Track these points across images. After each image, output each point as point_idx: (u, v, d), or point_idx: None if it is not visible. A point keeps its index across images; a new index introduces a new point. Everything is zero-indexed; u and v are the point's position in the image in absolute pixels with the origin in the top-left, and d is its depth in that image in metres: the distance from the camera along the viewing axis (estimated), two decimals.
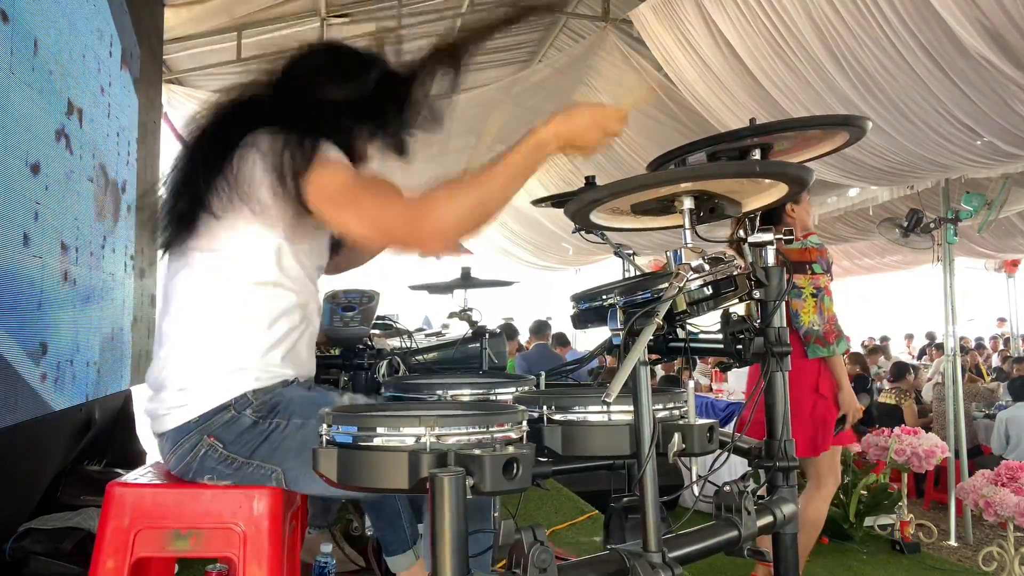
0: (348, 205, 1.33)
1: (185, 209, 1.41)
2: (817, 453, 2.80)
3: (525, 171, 1.32)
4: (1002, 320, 13.17)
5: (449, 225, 1.28)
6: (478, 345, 2.38)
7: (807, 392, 2.77)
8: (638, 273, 2.07)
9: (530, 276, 12.73)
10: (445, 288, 2.47)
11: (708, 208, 1.30)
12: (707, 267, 1.35)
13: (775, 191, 1.33)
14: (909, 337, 13.94)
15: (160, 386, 1.43)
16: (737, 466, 2.34)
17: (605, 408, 1.26)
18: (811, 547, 2.94)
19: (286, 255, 1.43)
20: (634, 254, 2.16)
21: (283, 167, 1.32)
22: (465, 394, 1.47)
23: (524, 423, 1.13)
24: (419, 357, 2.41)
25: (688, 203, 1.27)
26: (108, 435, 3.20)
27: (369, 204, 1.32)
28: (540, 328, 7.50)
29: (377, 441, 1.05)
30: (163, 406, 1.41)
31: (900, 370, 7.11)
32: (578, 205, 1.31)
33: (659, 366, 7.24)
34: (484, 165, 1.31)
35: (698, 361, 7.15)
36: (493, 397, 1.47)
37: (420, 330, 2.81)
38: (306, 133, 1.36)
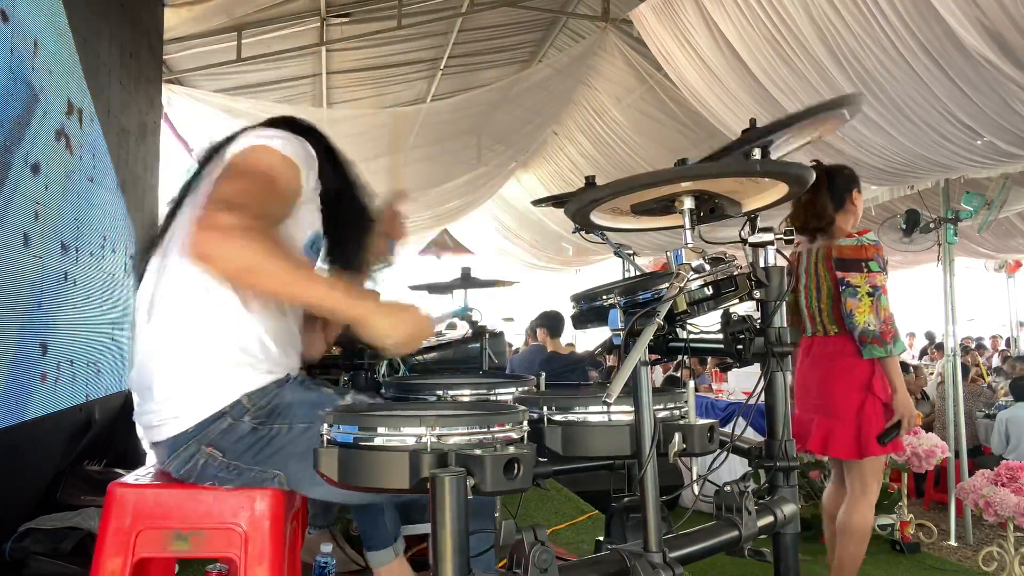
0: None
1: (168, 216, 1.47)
2: (861, 456, 2.64)
3: (322, 305, 1.32)
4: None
5: (237, 263, 1.24)
6: (478, 345, 2.38)
7: (856, 390, 2.64)
8: (638, 273, 2.06)
9: (530, 276, 12.72)
10: (445, 288, 2.46)
11: (708, 208, 1.30)
12: (707, 267, 1.35)
13: (775, 191, 1.33)
14: (911, 336, 13.95)
15: (148, 395, 1.41)
16: (738, 466, 2.34)
17: (605, 408, 1.26)
18: (861, 558, 2.76)
19: None
20: (634, 254, 2.15)
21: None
22: (465, 394, 1.47)
23: (525, 423, 1.13)
24: (419, 357, 2.41)
25: (688, 203, 1.27)
26: (108, 435, 3.20)
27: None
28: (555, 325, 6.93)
29: (378, 441, 1.05)
30: (156, 417, 1.39)
31: (904, 368, 7.10)
32: (578, 205, 1.31)
33: (659, 367, 7.23)
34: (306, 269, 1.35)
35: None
36: (493, 397, 1.47)
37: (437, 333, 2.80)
38: None
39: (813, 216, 2.72)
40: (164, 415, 1.38)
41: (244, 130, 1.46)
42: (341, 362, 2.34)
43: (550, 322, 5.50)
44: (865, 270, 2.62)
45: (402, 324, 1.33)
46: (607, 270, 10.57)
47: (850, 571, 2.74)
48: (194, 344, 1.38)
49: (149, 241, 1.53)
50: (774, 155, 1.58)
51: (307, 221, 1.50)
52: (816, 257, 2.77)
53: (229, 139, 1.47)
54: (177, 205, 1.50)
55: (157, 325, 1.41)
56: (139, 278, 1.48)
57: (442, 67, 7.67)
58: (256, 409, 1.38)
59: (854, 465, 2.72)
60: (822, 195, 2.72)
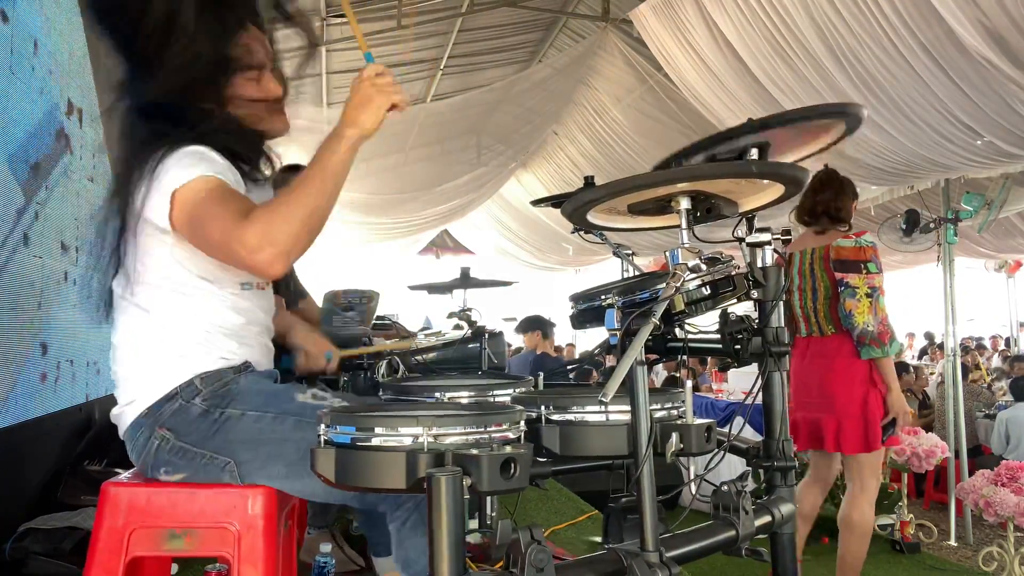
0: (195, 234, 1.33)
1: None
2: (870, 449, 2.70)
3: (342, 169, 1.33)
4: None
5: (285, 244, 1.26)
6: (477, 345, 2.38)
7: (858, 384, 2.68)
8: (637, 273, 2.07)
9: (530, 276, 12.72)
10: (445, 288, 2.47)
11: (705, 208, 1.30)
12: (704, 267, 1.35)
13: (772, 191, 1.33)
14: (911, 336, 13.95)
15: (116, 391, 1.45)
16: (737, 465, 2.34)
17: (603, 408, 1.26)
18: (864, 555, 2.81)
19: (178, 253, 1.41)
20: (633, 254, 2.16)
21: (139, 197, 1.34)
22: (463, 395, 1.47)
23: (522, 423, 1.14)
24: (418, 357, 2.41)
25: (685, 203, 1.27)
26: (108, 435, 3.19)
27: (209, 229, 1.30)
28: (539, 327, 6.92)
29: (375, 441, 1.05)
30: (118, 408, 1.44)
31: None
32: (575, 205, 1.31)
33: (661, 366, 7.22)
34: (301, 177, 1.32)
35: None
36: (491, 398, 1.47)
37: (424, 329, 2.80)
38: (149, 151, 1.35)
39: (833, 209, 2.79)
40: (122, 403, 1.43)
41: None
42: (341, 362, 2.34)
43: (540, 325, 5.56)
44: (864, 271, 2.66)
45: (357, 93, 1.36)
46: (608, 270, 10.57)
47: (853, 568, 2.75)
48: (150, 333, 1.41)
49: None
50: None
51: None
52: (811, 258, 2.80)
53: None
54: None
55: (119, 321, 1.44)
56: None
57: (442, 67, 7.68)
58: (208, 391, 1.39)
59: (853, 463, 2.76)
60: (846, 195, 2.82)
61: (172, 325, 1.41)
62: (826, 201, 2.80)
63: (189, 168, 1.32)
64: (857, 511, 2.75)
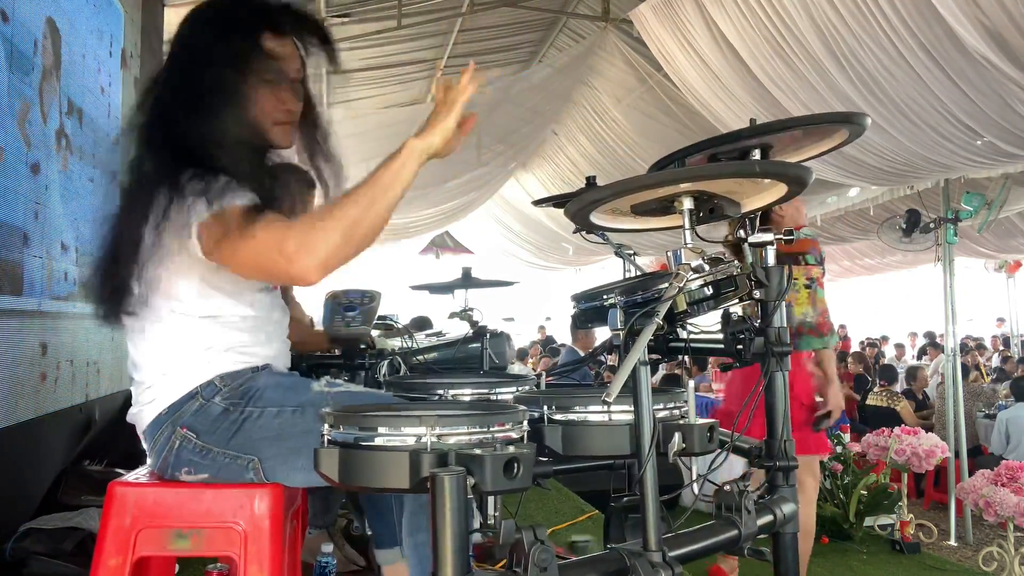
0: (225, 253, 1.32)
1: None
2: (801, 451, 2.73)
3: (394, 183, 1.31)
4: (1001, 320, 13.16)
5: (325, 257, 1.26)
6: (479, 345, 2.38)
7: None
8: (639, 273, 2.07)
9: (530, 276, 12.73)
10: (446, 288, 2.47)
11: (708, 208, 1.30)
12: (707, 267, 1.35)
13: (775, 191, 1.33)
14: (913, 335, 13.93)
15: (134, 388, 1.46)
16: (737, 465, 2.34)
17: (605, 408, 1.26)
18: (808, 553, 2.86)
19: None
20: (635, 254, 2.16)
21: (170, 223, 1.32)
22: (465, 394, 1.47)
23: (525, 423, 1.14)
24: (420, 357, 2.41)
25: (688, 203, 1.27)
26: (108, 435, 3.20)
27: (244, 251, 1.29)
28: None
29: (378, 441, 1.05)
30: (136, 407, 1.45)
31: (892, 372, 7.16)
32: (578, 206, 1.31)
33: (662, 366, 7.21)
34: (353, 187, 1.31)
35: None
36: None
37: (436, 333, 2.80)
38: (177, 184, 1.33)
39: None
40: (142, 402, 1.43)
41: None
42: (342, 362, 2.34)
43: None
44: (802, 262, 2.66)
45: (436, 119, 1.34)
46: (608, 270, 10.58)
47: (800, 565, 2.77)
48: (171, 335, 1.41)
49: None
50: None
51: None
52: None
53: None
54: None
55: (139, 323, 1.43)
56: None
57: (442, 67, 7.68)
58: (228, 390, 1.40)
59: None
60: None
61: (194, 328, 1.41)
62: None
63: (216, 196, 1.31)
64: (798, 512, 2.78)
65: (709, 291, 1.39)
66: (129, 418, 1.48)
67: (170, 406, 1.40)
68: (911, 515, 4.34)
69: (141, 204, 1.36)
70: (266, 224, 1.29)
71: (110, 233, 1.42)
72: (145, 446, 1.46)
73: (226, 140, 1.37)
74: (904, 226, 5.44)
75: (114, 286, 1.40)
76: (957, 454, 4.82)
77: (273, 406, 1.38)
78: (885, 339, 13.53)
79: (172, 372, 1.41)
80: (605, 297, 1.51)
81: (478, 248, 12.96)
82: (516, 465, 1.01)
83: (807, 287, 2.67)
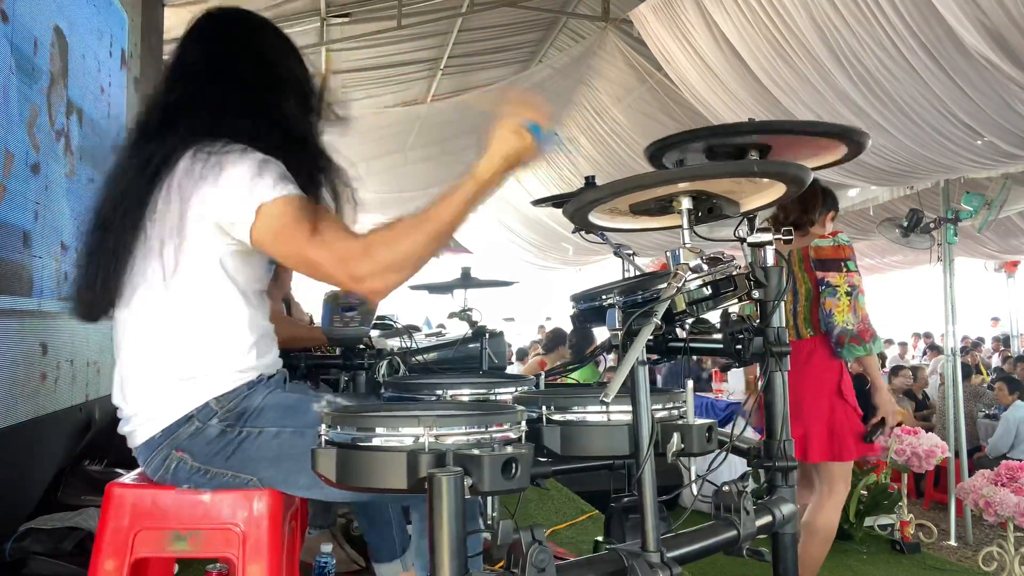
0: (283, 248, 1.31)
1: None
2: (837, 458, 2.65)
3: (472, 206, 1.34)
4: (996, 320, 13.16)
5: (390, 288, 1.30)
6: (478, 345, 2.38)
7: (825, 396, 2.64)
8: (638, 273, 2.06)
9: (530, 276, 12.72)
10: (445, 288, 2.47)
11: (707, 208, 1.30)
12: (705, 267, 1.35)
13: (773, 191, 1.33)
14: (916, 336, 13.90)
15: (123, 404, 1.41)
16: (737, 465, 2.33)
17: (604, 408, 1.26)
18: (822, 559, 2.77)
19: (228, 262, 1.39)
20: (634, 254, 2.15)
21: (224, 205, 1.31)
22: (464, 394, 1.47)
23: (523, 423, 1.13)
24: (419, 357, 2.41)
25: (686, 203, 1.27)
26: (108, 435, 3.19)
27: (313, 255, 1.29)
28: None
29: (376, 441, 1.05)
30: (128, 424, 1.40)
31: (892, 372, 7.16)
32: (576, 206, 1.31)
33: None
34: (430, 204, 1.33)
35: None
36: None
37: (435, 332, 2.80)
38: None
39: (803, 212, 2.75)
40: (135, 422, 1.39)
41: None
42: (342, 362, 2.34)
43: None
44: (844, 270, 2.64)
45: (509, 150, 1.40)
46: (607, 269, 10.57)
47: (811, 571, 2.72)
48: (162, 350, 1.36)
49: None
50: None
51: None
52: (790, 261, 2.77)
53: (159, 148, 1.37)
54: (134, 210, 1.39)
55: (130, 336, 1.39)
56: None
57: (442, 67, 7.68)
58: (224, 412, 1.36)
59: (822, 468, 2.71)
60: (818, 206, 2.77)
61: (190, 340, 1.37)
62: (795, 211, 2.77)
63: (273, 182, 1.30)
64: (823, 516, 2.72)
65: (708, 291, 1.39)
66: (122, 431, 1.44)
67: (165, 428, 1.35)
68: (911, 515, 4.33)
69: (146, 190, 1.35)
70: (336, 233, 1.30)
71: (108, 232, 1.41)
72: (139, 461, 1.43)
73: (296, 127, 1.46)
74: (904, 226, 5.44)
75: (101, 283, 1.38)
76: (957, 454, 4.81)
77: (272, 426, 1.36)
78: (889, 341, 13.52)
79: (164, 393, 1.36)
80: (604, 297, 1.50)
81: (477, 248, 12.95)
82: (514, 465, 1.01)
83: (848, 294, 2.61)
